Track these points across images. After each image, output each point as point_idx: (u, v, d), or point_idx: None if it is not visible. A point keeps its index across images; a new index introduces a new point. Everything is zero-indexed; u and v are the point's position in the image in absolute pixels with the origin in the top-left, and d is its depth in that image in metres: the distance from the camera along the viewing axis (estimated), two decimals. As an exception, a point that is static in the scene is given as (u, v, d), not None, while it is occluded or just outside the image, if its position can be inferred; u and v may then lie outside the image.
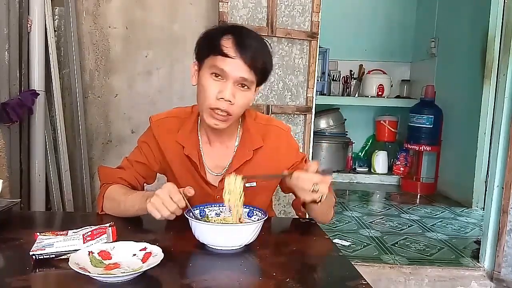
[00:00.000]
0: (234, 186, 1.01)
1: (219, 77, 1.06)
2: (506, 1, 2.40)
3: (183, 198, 0.99)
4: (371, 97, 4.56)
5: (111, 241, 0.93)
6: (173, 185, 1.00)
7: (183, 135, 1.18)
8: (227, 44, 1.04)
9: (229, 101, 1.05)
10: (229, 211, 1.05)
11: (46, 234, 0.93)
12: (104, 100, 2.49)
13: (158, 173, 1.28)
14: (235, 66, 1.04)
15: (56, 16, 2.32)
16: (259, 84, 1.12)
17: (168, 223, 1.19)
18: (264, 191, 1.23)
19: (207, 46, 1.08)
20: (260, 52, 1.07)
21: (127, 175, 1.21)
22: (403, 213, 3.35)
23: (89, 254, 0.83)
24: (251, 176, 1.08)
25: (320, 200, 1.04)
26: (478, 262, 2.30)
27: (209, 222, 1.02)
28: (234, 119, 1.11)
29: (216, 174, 1.20)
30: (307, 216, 1.22)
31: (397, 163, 4.56)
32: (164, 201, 0.97)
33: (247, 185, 1.15)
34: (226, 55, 1.03)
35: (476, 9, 3.60)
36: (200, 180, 1.19)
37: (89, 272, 0.77)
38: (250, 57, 1.04)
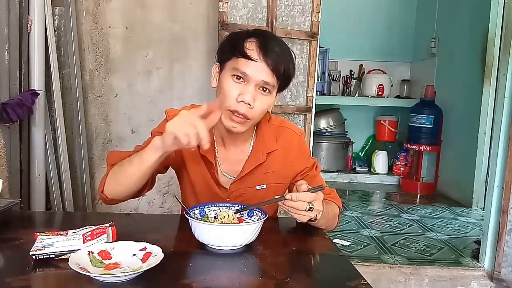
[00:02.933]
0: (228, 221, 1.02)
1: (241, 79, 1.04)
2: (506, 1, 2.40)
3: (178, 200, 0.99)
4: (371, 97, 4.56)
5: (111, 241, 0.92)
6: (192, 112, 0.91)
7: None
8: (251, 47, 1.03)
9: (249, 104, 1.03)
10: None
11: (46, 234, 0.93)
12: (104, 100, 2.49)
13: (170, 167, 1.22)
14: (258, 69, 1.03)
15: (56, 16, 2.32)
16: (280, 89, 1.11)
17: (168, 223, 1.20)
18: (274, 194, 1.21)
19: (230, 48, 1.06)
20: (283, 56, 1.06)
21: None
22: (403, 213, 3.35)
23: (89, 254, 0.83)
24: (243, 209, 1.06)
25: (316, 218, 1.05)
26: (478, 262, 2.30)
27: (209, 222, 1.02)
28: (252, 123, 1.10)
29: (229, 177, 1.19)
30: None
31: (397, 163, 4.56)
32: (193, 121, 0.88)
33: (257, 187, 1.17)
34: (249, 58, 1.02)
35: (476, 9, 3.60)
36: (212, 181, 1.18)
37: (89, 272, 0.76)
38: (273, 60, 1.03)
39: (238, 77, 1.04)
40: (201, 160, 1.17)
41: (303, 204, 0.98)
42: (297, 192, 0.99)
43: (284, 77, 1.07)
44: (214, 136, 1.18)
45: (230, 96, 1.04)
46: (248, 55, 1.02)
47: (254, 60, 1.02)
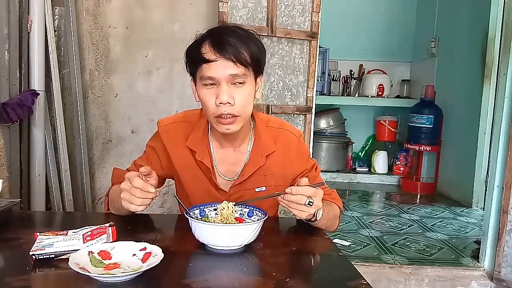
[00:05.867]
0: (227, 213, 1.02)
1: (212, 84, 1.04)
2: (506, 1, 2.40)
3: (178, 201, 1.01)
4: (371, 97, 4.56)
5: (111, 241, 0.93)
6: (132, 174, 1.01)
7: (194, 141, 1.16)
8: (206, 50, 1.03)
9: (228, 103, 1.03)
10: None
11: (46, 234, 0.93)
12: (104, 100, 2.49)
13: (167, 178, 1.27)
14: (219, 67, 1.02)
15: (56, 16, 2.32)
16: (256, 73, 1.09)
17: (168, 223, 1.20)
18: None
19: (191, 61, 1.07)
20: (242, 43, 1.03)
21: None
22: (403, 213, 3.35)
23: (89, 254, 0.83)
24: (243, 202, 1.08)
25: (316, 218, 1.05)
26: (478, 262, 2.30)
27: (209, 222, 1.02)
28: (243, 119, 1.09)
29: (228, 179, 1.18)
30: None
31: (397, 163, 4.56)
32: (130, 190, 0.99)
33: (257, 189, 1.17)
34: (208, 61, 1.02)
35: (476, 9, 3.60)
36: (210, 185, 1.18)
37: (89, 272, 0.76)
38: (230, 52, 1.01)
39: (209, 84, 1.04)
40: (197, 167, 1.17)
41: (303, 198, 0.98)
42: (297, 186, 0.99)
43: (252, 61, 1.04)
44: (210, 139, 1.18)
45: (209, 104, 1.05)
46: (206, 58, 1.02)
47: (214, 61, 1.01)
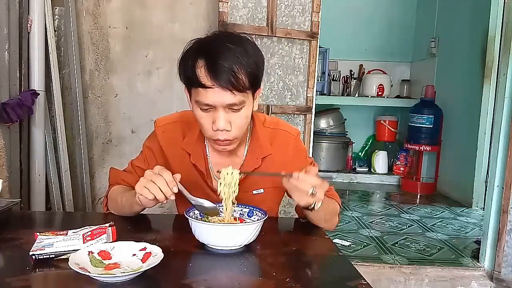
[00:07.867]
0: (230, 178, 1.01)
1: (208, 108, 1.00)
2: (506, 1, 2.40)
3: (183, 188, 0.99)
4: (371, 97, 4.56)
5: (111, 241, 0.92)
6: (163, 167, 0.98)
7: (189, 143, 1.15)
8: (202, 73, 0.96)
9: (225, 129, 1.01)
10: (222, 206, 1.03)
11: (46, 234, 0.92)
12: (104, 100, 2.49)
13: None
14: (216, 95, 0.97)
15: (56, 16, 2.32)
16: (254, 90, 1.04)
17: (168, 223, 1.20)
18: (271, 198, 1.21)
19: (185, 78, 1.02)
20: (239, 64, 0.96)
21: (130, 179, 1.21)
22: (403, 213, 3.35)
23: (89, 254, 0.83)
24: (248, 172, 1.08)
25: (314, 208, 1.04)
26: (478, 262, 2.30)
27: (209, 222, 1.02)
28: (239, 139, 1.08)
29: None
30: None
31: (397, 163, 4.56)
32: (153, 178, 0.96)
33: (254, 192, 1.16)
34: (204, 86, 0.96)
35: (476, 9, 3.60)
36: (206, 187, 1.17)
37: (89, 272, 0.76)
38: (227, 80, 0.95)
39: (205, 107, 1.00)
40: (193, 168, 1.16)
41: (307, 186, 0.96)
42: (305, 173, 0.97)
43: (250, 83, 0.99)
44: (205, 141, 1.17)
45: (206, 127, 1.03)
46: (202, 83, 0.96)
47: (210, 87, 0.96)
